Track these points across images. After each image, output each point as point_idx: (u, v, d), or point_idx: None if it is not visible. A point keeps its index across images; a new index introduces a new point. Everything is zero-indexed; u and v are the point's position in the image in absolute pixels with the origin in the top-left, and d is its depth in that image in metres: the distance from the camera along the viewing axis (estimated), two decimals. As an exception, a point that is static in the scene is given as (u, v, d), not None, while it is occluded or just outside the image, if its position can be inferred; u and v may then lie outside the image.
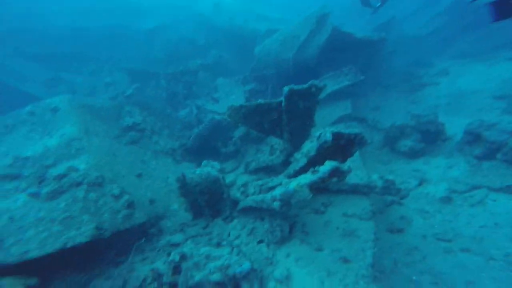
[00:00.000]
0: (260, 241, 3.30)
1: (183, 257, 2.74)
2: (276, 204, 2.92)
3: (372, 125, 6.85)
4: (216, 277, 2.60)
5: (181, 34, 12.17)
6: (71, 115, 5.54)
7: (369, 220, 3.45)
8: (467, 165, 5.09)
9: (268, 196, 3.17)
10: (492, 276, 3.23)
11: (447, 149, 5.65)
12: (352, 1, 12.65)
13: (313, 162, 3.45)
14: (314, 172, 2.95)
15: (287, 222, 3.40)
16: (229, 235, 3.47)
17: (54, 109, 5.71)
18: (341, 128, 3.75)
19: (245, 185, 4.20)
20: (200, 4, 13.55)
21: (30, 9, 13.55)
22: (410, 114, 6.24)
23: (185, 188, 3.91)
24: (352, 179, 3.97)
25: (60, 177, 4.03)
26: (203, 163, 4.27)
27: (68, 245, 3.10)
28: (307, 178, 2.91)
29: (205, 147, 6.01)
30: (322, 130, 3.52)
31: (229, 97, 7.70)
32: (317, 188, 2.90)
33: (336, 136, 3.37)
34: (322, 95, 4.11)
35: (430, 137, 5.81)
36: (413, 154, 5.75)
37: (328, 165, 2.92)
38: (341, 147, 3.49)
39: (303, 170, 3.52)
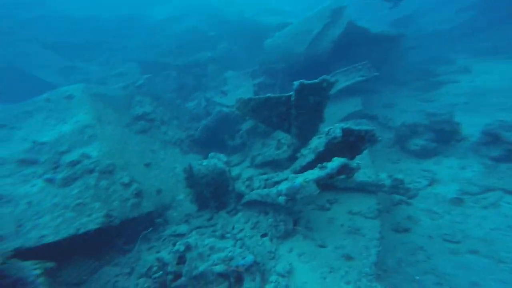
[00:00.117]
0: (264, 235, 3.33)
1: (188, 247, 2.80)
2: (281, 199, 2.93)
3: (383, 123, 6.70)
4: (219, 268, 2.65)
5: (191, 26, 12.15)
6: (84, 103, 5.67)
7: (374, 219, 3.42)
8: (481, 166, 4.94)
9: (274, 190, 3.18)
10: (499, 279, 3.16)
11: (460, 149, 5.48)
12: None
13: (321, 158, 3.42)
14: (322, 168, 2.92)
15: (291, 217, 3.40)
16: (233, 228, 3.51)
17: (69, 97, 5.85)
18: (351, 124, 3.69)
19: (250, 178, 4.21)
20: (212, -4, 13.46)
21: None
22: (425, 113, 6.06)
23: (191, 179, 3.96)
24: (360, 177, 3.92)
25: (74, 163, 4.14)
26: (210, 155, 4.30)
27: (80, 231, 3.20)
28: (314, 173, 2.89)
29: (212, 139, 6.05)
30: (332, 126, 3.47)
31: (237, 90, 7.67)
32: (324, 184, 2.88)
33: (346, 132, 3.32)
34: (333, 90, 4.04)
35: (444, 137, 5.64)
36: (424, 154, 5.61)
37: (336, 161, 2.89)
38: (351, 143, 3.44)
39: (310, 166, 3.49)
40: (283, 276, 2.75)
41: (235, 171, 4.75)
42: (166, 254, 2.88)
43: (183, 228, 3.65)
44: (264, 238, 3.26)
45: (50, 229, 3.22)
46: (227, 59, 9.81)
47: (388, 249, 3.67)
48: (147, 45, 12.07)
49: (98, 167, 4.10)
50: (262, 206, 3.64)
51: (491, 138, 5.06)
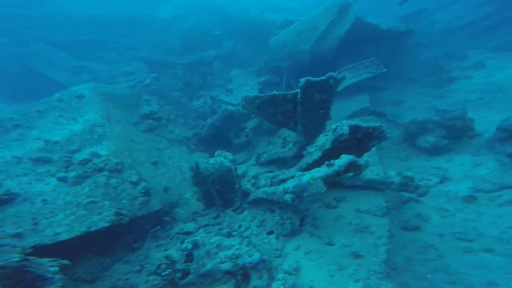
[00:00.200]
0: (270, 232, 3.32)
1: (195, 245, 2.82)
2: (288, 197, 2.91)
3: (391, 120, 6.59)
4: (226, 266, 2.66)
5: (197, 24, 12.21)
6: (94, 102, 5.77)
7: (383, 217, 3.37)
8: (496, 163, 4.79)
9: (280, 188, 3.16)
10: (518, 278, 3.06)
11: (474, 146, 5.33)
12: None
13: (328, 155, 3.38)
14: (329, 165, 2.89)
15: (298, 215, 3.39)
16: (239, 226, 3.51)
17: (80, 96, 5.96)
18: (358, 121, 3.63)
19: (256, 176, 4.21)
20: (217, -6, 13.45)
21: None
22: (435, 109, 5.93)
23: (198, 177, 3.98)
24: (368, 174, 3.87)
25: (84, 162, 4.22)
26: (216, 153, 4.32)
27: (92, 229, 3.25)
28: (321, 171, 2.86)
29: (218, 137, 6.08)
30: (339, 123, 3.42)
31: (243, 88, 7.68)
32: (331, 182, 2.85)
33: (354, 129, 3.27)
34: (340, 87, 3.99)
35: (456, 134, 5.49)
36: (435, 151, 5.48)
37: (344, 159, 2.85)
38: (358, 141, 3.39)
39: (316, 163, 3.46)
40: (290, 274, 2.74)
41: (240, 169, 4.76)
42: (174, 252, 2.91)
43: (190, 226, 3.68)
44: (271, 236, 3.26)
45: (63, 227, 3.29)
46: (233, 57, 9.82)
47: (397, 248, 3.61)
48: (153, 44, 12.18)
49: (108, 165, 4.17)
50: (268, 204, 3.64)
51: (507, 134, 4.89)
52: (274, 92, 4.17)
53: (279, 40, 8.32)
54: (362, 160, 2.88)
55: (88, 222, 3.34)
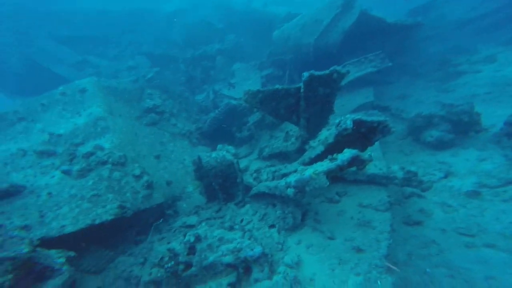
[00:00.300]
0: (272, 226, 3.34)
1: (198, 238, 2.84)
2: (290, 191, 2.91)
3: (395, 114, 6.51)
4: (228, 259, 2.68)
5: (200, 18, 12.09)
6: (97, 96, 5.79)
7: (385, 212, 3.36)
8: (503, 158, 4.71)
9: (282, 182, 3.16)
10: (519, 274, 3.05)
11: (480, 141, 5.25)
12: None
13: (331, 150, 3.36)
14: (332, 159, 2.87)
15: (300, 209, 3.39)
16: (241, 220, 3.53)
17: (83, 90, 5.99)
18: (362, 115, 3.60)
19: (258, 171, 4.21)
20: (220, -13, 13.27)
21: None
22: (441, 104, 5.83)
23: (200, 171, 4.00)
24: (371, 169, 3.85)
25: (88, 155, 4.26)
26: (218, 147, 4.33)
27: (96, 222, 3.30)
28: (324, 165, 2.85)
29: (220, 131, 6.08)
30: (342, 117, 3.39)
31: (245, 82, 7.63)
32: (333, 176, 2.84)
33: (357, 123, 3.24)
34: (344, 82, 3.94)
35: (462, 128, 5.40)
36: (439, 146, 5.42)
37: (348, 153, 2.83)
38: (362, 135, 3.36)
39: (319, 158, 3.45)
40: (291, 267, 2.76)
41: (242, 163, 4.76)
42: (177, 245, 2.94)
43: (192, 220, 3.71)
44: (272, 230, 3.27)
45: (69, 219, 3.34)
46: (235, 51, 9.74)
47: (397, 242, 3.61)
48: (156, 39, 12.13)
49: (111, 158, 4.20)
50: (270, 198, 3.64)
51: (515, 128, 4.80)
52: (277, 86, 4.13)
53: (283, 34, 8.22)
54: (365, 155, 2.86)
55: (92, 215, 3.38)
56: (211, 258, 2.69)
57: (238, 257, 2.69)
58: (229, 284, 2.60)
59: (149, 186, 3.98)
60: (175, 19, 13.15)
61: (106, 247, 3.48)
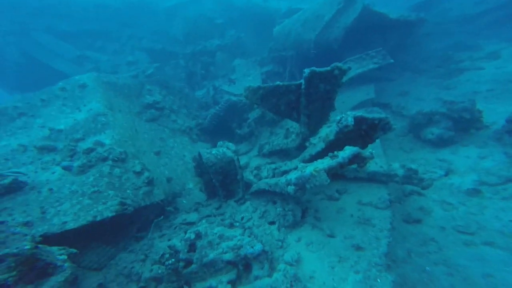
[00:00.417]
0: (272, 222, 3.35)
1: (198, 235, 2.85)
2: (290, 188, 2.90)
3: (396, 111, 6.49)
4: (228, 256, 2.69)
5: (200, 12, 11.96)
6: (97, 91, 5.75)
7: (385, 209, 3.37)
8: (504, 156, 4.71)
9: (282, 179, 3.16)
10: (516, 271, 3.08)
11: (481, 138, 5.23)
12: None
13: (331, 147, 3.36)
14: (333, 157, 2.87)
15: (300, 207, 3.40)
16: (242, 217, 3.54)
17: (82, 86, 5.95)
18: (363, 112, 3.58)
19: (258, 168, 4.21)
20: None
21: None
22: (442, 101, 5.80)
23: (200, 167, 3.99)
24: (371, 167, 3.84)
25: (88, 151, 4.25)
26: (218, 144, 4.31)
27: (97, 219, 3.30)
28: (325, 163, 2.84)
29: (220, 127, 6.06)
30: (343, 114, 3.38)
31: (245, 78, 7.58)
32: (334, 174, 2.84)
33: (358, 120, 3.22)
34: (345, 78, 3.91)
35: (462, 125, 5.39)
36: (440, 143, 5.41)
37: (348, 150, 2.82)
38: (363, 132, 3.35)
39: (320, 155, 3.44)
40: (291, 264, 2.78)
41: (243, 160, 4.76)
42: (177, 242, 2.95)
43: (193, 217, 3.72)
44: (272, 227, 3.29)
45: (70, 216, 3.34)
46: (236, 47, 9.65)
47: (398, 240, 3.63)
48: (155, 33, 12.02)
49: (111, 155, 4.19)
50: (270, 195, 3.65)
51: (517, 126, 4.78)
52: (278, 82, 4.11)
53: (283, 29, 8.13)
54: (366, 152, 2.85)
55: (93, 211, 3.38)
56: (212, 255, 2.70)
57: (238, 254, 2.70)
58: (229, 281, 2.62)
59: (150, 182, 3.98)
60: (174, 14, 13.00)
61: (107, 244, 3.49)
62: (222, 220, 3.49)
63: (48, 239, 3.02)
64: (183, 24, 11.57)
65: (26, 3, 12.40)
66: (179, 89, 7.17)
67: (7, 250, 2.40)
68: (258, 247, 2.73)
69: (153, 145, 5.24)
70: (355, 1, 6.89)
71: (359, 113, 3.30)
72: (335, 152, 2.89)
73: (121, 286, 2.99)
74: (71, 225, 3.22)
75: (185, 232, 3.03)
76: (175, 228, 3.64)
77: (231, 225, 3.30)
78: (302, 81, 3.84)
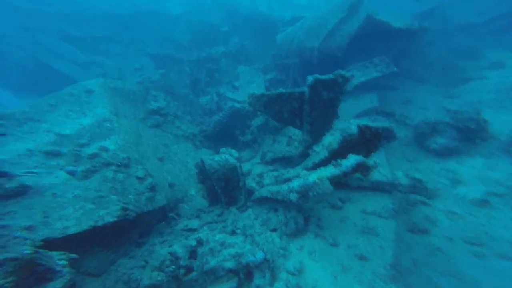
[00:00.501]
0: (274, 230, 3.31)
1: (199, 242, 2.83)
2: (293, 196, 2.89)
3: (399, 120, 6.46)
4: (230, 264, 2.66)
5: (205, 20, 12.19)
6: (103, 97, 5.83)
7: (389, 219, 3.32)
8: (511, 167, 4.66)
9: (285, 187, 3.14)
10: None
11: (487, 149, 5.17)
12: None
13: (335, 155, 3.35)
14: (336, 165, 2.85)
15: (302, 215, 3.36)
16: (243, 224, 3.51)
17: (89, 91, 6.04)
18: (366, 121, 3.57)
19: (260, 175, 4.19)
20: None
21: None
22: (446, 110, 5.76)
23: (203, 173, 3.99)
24: (375, 175, 3.81)
25: (93, 156, 4.27)
26: (221, 150, 4.32)
27: (99, 224, 3.29)
28: (328, 171, 2.83)
29: (223, 134, 6.07)
30: (346, 123, 3.38)
31: (249, 85, 7.62)
32: (337, 182, 2.82)
33: (363, 129, 3.22)
34: (349, 86, 3.92)
35: (468, 135, 5.33)
36: (445, 153, 5.35)
37: (352, 159, 2.81)
38: (366, 141, 3.34)
39: (323, 163, 3.42)
40: (293, 274, 2.73)
41: (245, 167, 4.75)
42: (178, 248, 2.93)
43: (194, 223, 3.69)
44: (274, 235, 3.25)
45: (72, 220, 3.33)
46: (240, 54, 9.76)
47: (403, 250, 3.55)
48: (162, 40, 12.24)
49: (115, 160, 4.21)
50: (272, 203, 3.62)
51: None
52: (281, 89, 4.13)
53: (286, 37, 8.23)
54: (370, 161, 2.84)
55: (95, 216, 3.38)
56: (213, 262, 2.67)
57: (240, 262, 2.66)
58: (230, 290, 2.58)
59: (153, 188, 3.98)
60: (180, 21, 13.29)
61: (108, 249, 3.47)
62: (223, 227, 3.46)
63: (50, 243, 3.01)
64: (189, 31, 11.79)
65: (40, 9, 12.78)
66: (184, 95, 7.24)
67: (6, 255, 2.38)
68: (259, 255, 2.69)
69: (157, 151, 5.26)
70: (358, 10, 6.97)
71: (363, 121, 3.30)
72: (339, 161, 2.88)
73: (120, 293, 2.96)
74: (73, 230, 3.21)
75: (187, 239, 3.01)
76: (177, 234, 3.61)
77: (233, 232, 3.27)
78: (306, 88, 3.86)
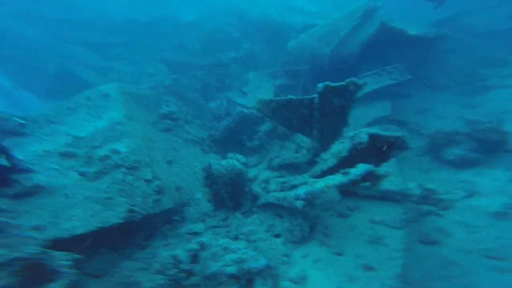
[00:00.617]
0: (277, 235, 3.25)
1: (202, 246, 2.82)
2: (299, 203, 2.84)
3: (414, 129, 6.26)
4: (231, 269, 2.63)
5: (217, 26, 12.48)
6: (118, 101, 6.03)
7: (400, 229, 3.19)
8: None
9: (291, 194, 3.10)
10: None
11: (508, 161, 4.92)
12: None
13: (343, 163, 3.28)
14: (345, 173, 2.79)
15: (308, 222, 3.29)
16: (248, 230, 3.48)
17: (105, 95, 6.27)
18: (378, 130, 3.48)
19: (266, 181, 4.16)
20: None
21: (95, 3, 15.08)
22: (465, 120, 5.54)
23: (210, 178, 4.01)
24: (385, 184, 3.68)
25: (104, 158, 4.40)
26: (229, 155, 4.34)
27: (106, 225, 3.32)
28: (336, 179, 2.77)
29: (232, 139, 6.10)
30: (357, 131, 3.31)
31: (258, 91, 7.66)
32: (345, 190, 2.75)
33: (373, 137, 3.14)
34: (360, 94, 3.85)
35: (488, 147, 5.08)
36: (462, 164, 5.12)
37: (361, 168, 2.75)
38: (377, 150, 3.25)
39: (331, 171, 3.36)
40: (296, 282, 2.67)
41: (252, 173, 4.73)
42: (181, 252, 2.92)
43: (199, 227, 3.69)
44: (278, 241, 3.19)
45: (81, 221, 3.36)
46: (250, 60, 9.86)
47: (413, 261, 3.39)
48: (175, 46, 12.63)
49: (126, 162, 4.31)
50: (277, 209, 3.57)
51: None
52: (290, 96, 4.12)
53: (298, 44, 8.26)
54: (380, 170, 2.76)
55: (103, 217, 3.42)
56: (214, 267, 2.66)
57: (242, 268, 2.63)
58: (231, 296, 2.54)
59: (160, 191, 4.02)
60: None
61: (114, 250, 3.51)
62: (227, 232, 3.44)
63: (58, 244, 3.05)
64: (200, 37, 12.11)
65: (66, 17, 13.61)
66: (194, 100, 7.37)
67: (14, 254, 2.41)
68: (262, 261, 2.65)
69: (166, 154, 5.35)
70: (372, 17, 6.91)
71: (374, 130, 3.22)
72: (347, 169, 2.82)
73: (121, 295, 2.95)
74: (80, 230, 3.25)
75: (189, 242, 3.01)
76: (181, 237, 3.62)
77: (236, 238, 3.24)
78: (316, 95, 3.83)
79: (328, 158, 3.66)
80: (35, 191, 3.93)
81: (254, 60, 9.82)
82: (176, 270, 2.74)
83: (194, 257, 2.76)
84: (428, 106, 7.35)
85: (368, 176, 2.75)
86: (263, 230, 3.41)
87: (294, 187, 3.47)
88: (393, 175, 3.95)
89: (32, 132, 5.77)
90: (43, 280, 2.44)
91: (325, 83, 3.68)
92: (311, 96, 3.98)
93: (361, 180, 2.72)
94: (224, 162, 3.93)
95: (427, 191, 4.37)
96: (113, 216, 3.42)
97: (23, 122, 5.71)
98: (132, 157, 4.43)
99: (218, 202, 4.13)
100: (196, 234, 3.54)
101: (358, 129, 3.33)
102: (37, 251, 2.50)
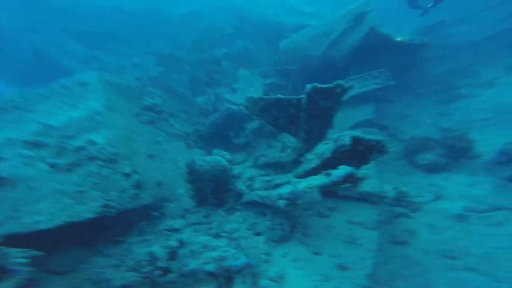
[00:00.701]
0: (258, 233, 3.27)
1: (181, 243, 2.77)
2: (281, 203, 2.87)
3: (393, 134, 6.53)
4: (210, 267, 2.61)
5: (211, 22, 12.23)
6: (97, 90, 5.73)
7: (374, 230, 3.32)
8: (491, 185, 4.79)
9: (275, 193, 3.12)
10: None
11: (471, 167, 5.31)
12: (398, 1, 11.69)
13: (326, 164, 3.35)
14: (327, 175, 2.86)
15: (289, 221, 3.34)
16: (229, 227, 3.47)
17: (83, 84, 5.93)
18: (360, 133, 3.59)
19: (251, 179, 4.17)
20: (233, -8, 13.46)
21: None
22: (438, 127, 5.87)
23: (193, 174, 3.94)
24: (364, 186, 3.82)
25: (79, 149, 4.14)
26: (214, 152, 4.29)
27: (75, 220, 3.08)
28: (318, 180, 2.83)
29: (218, 135, 6.04)
30: (341, 133, 3.39)
31: (248, 88, 7.63)
32: (326, 191, 2.81)
33: (356, 140, 3.23)
34: (346, 97, 3.94)
35: (455, 154, 5.47)
36: (433, 169, 5.46)
37: (343, 170, 2.82)
38: (359, 153, 3.35)
39: (314, 171, 3.43)
40: (274, 281, 2.70)
41: (237, 170, 4.71)
42: (158, 248, 2.85)
43: (179, 223, 3.61)
44: (259, 239, 3.21)
45: (45, 215, 3.09)
46: (243, 57, 9.76)
47: (383, 261, 3.57)
48: (164, 39, 12.23)
49: (102, 155, 4.09)
50: (260, 207, 3.59)
51: (507, 158, 4.87)
52: (279, 95, 4.13)
53: (290, 44, 8.29)
54: (360, 173, 2.85)
55: (72, 212, 3.14)
56: (193, 264, 2.62)
57: (221, 266, 2.62)
58: (208, 294, 2.53)
59: (138, 185, 3.86)
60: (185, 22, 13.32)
61: (82, 246, 3.31)
62: (209, 229, 3.41)
63: (16, 239, 2.74)
64: (193, 32, 11.81)
65: (46, 3, 12.71)
66: (181, 94, 7.18)
67: None
68: (242, 260, 2.66)
69: (147, 147, 5.17)
70: (363, 21, 7.06)
71: (357, 133, 3.31)
72: (329, 170, 2.88)
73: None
74: (44, 226, 2.96)
75: (168, 239, 2.94)
76: (159, 234, 3.52)
77: (217, 235, 3.22)
78: (304, 96, 3.87)
79: (312, 159, 3.73)
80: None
81: (251, 59, 9.73)
82: (152, 267, 2.66)
83: (172, 254, 2.70)
84: (407, 112, 7.67)
85: (349, 178, 2.83)
86: (245, 228, 3.42)
87: (277, 186, 3.51)
88: (371, 177, 4.10)
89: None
90: None
91: (313, 84, 3.72)
92: (299, 96, 4.02)
93: (342, 182, 2.80)
94: (208, 158, 3.88)
95: (400, 194, 4.60)
96: (85, 211, 3.21)
97: None
98: (109, 149, 4.22)
99: (201, 198, 4.07)
100: (175, 230, 3.47)
101: (343, 131, 3.41)
102: None
